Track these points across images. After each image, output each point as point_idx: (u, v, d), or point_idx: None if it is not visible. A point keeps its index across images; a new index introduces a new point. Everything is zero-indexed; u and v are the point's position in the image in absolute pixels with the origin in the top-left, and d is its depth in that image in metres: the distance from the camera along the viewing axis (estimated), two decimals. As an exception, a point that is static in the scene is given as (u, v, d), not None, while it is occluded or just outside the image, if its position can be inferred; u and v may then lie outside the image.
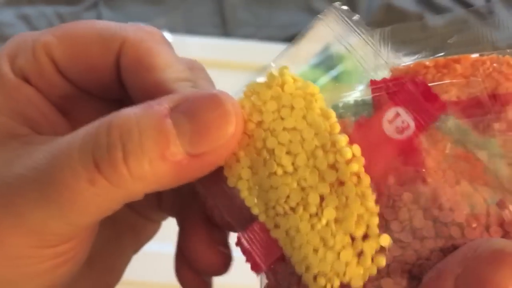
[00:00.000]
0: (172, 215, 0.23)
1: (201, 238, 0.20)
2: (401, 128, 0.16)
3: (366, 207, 0.16)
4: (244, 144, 0.16)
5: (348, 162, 0.16)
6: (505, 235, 0.16)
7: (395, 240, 0.16)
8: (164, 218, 0.24)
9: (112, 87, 0.20)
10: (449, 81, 0.17)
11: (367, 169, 0.16)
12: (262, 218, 0.17)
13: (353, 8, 0.84)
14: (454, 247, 0.15)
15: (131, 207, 0.22)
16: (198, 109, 0.15)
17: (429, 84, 0.17)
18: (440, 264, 0.15)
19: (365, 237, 0.16)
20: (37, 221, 0.16)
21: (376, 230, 0.16)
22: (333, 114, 0.16)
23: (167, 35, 0.68)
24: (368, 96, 0.18)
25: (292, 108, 0.16)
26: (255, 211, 0.17)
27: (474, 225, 0.16)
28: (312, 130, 0.16)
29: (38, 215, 0.16)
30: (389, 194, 0.16)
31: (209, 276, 0.22)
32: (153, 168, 0.15)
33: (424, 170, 0.16)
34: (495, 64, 0.17)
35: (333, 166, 0.16)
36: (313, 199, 0.16)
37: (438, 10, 0.84)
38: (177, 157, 0.15)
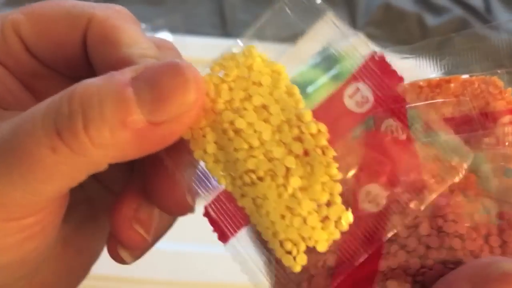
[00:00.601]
0: None
1: (124, 212, 0.20)
2: (360, 102, 0.17)
3: (330, 175, 0.16)
4: (210, 119, 0.17)
5: (313, 135, 0.17)
6: (503, 244, 0.17)
7: (401, 246, 0.17)
8: None
9: (79, 64, 0.20)
10: (441, 100, 0.18)
11: (330, 141, 0.17)
12: (229, 188, 0.17)
13: (352, 7, 0.84)
14: (455, 258, 0.17)
15: (106, 186, 0.22)
16: (159, 77, 0.15)
17: (425, 102, 0.18)
18: (449, 277, 0.16)
19: (329, 204, 0.16)
20: (1, 191, 0.16)
21: (339, 197, 0.17)
22: (297, 90, 0.17)
23: (167, 35, 0.68)
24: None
25: (260, 85, 0.17)
26: (222, 181, 0.17)
27: (474, 236, 0.17)
28: (278, 106, 0.17)
29: (1, 185, 0.15)
30: (398, 201, 0.17)
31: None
32: (114, 136, 0.15)
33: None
34: (483, 85, 0.18)
35: (299, 138, 0.17)
36: (280, 170, 0.16)
37: (437, 10, 0.84)
38: (138, 125, 0.15)
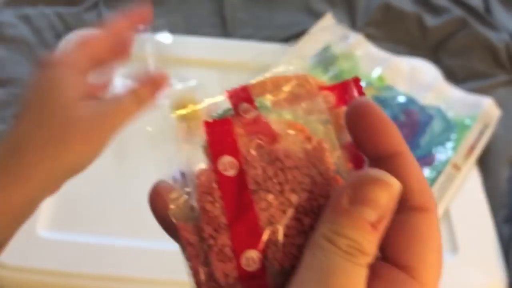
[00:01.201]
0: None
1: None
2: None
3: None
4: None
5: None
6: (339, 159, 0.23)
7: (266, 191, 0.21)
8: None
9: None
10: (277, 91, 0.25)
11: None
12: None
13: (352, 7, 0.84)
14: (307, 182, 0.21)
15: None
16: (141, 87, 0.43)
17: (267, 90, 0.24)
18: (336, 190, 0.20)
19: None
20: (111, 123, 0.40)
21: None
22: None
23: (167, 35, 0.68)
24: (227, 104, 0.25)
25: None
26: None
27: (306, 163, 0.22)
28: None
29: (109, 120, 0.40)
30: (246, 160, 0.22)
31: None
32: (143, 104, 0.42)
33: (260, 139, 0.23)
34: (305, 77, 0.24)
35: None
36: None
37: (436, 10, 0.84)
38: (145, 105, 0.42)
